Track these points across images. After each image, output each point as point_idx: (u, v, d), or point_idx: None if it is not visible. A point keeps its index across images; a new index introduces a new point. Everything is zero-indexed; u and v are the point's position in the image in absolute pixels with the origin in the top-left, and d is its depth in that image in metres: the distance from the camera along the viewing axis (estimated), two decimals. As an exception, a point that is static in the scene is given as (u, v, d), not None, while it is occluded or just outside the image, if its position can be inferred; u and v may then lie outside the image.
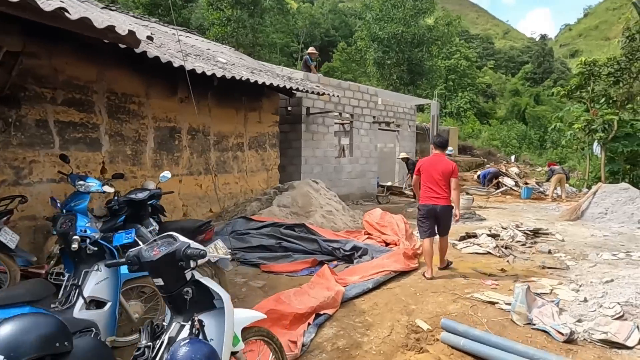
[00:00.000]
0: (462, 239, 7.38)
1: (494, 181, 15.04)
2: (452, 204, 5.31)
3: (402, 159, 12.54)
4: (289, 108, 10.93)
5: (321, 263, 5.72)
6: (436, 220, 5.35)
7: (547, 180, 14.97)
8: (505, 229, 8.02)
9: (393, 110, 15.36)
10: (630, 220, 9.14)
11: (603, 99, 15.16)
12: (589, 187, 17.15)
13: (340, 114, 11.88)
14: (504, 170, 16.54)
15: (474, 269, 5.65)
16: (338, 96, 10.45)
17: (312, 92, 8.94)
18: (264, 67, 9.35)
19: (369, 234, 6.79)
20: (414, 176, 5.56)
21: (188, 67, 5.70)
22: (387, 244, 6.38)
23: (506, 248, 6.74)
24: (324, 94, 9.36)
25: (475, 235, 7.48)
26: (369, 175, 12.89)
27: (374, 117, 13.04)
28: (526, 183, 16.13)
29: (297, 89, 8.53)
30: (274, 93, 9.22)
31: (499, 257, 6.35)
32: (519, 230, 7.86)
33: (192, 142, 7.33)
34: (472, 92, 44.69)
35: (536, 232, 7.98)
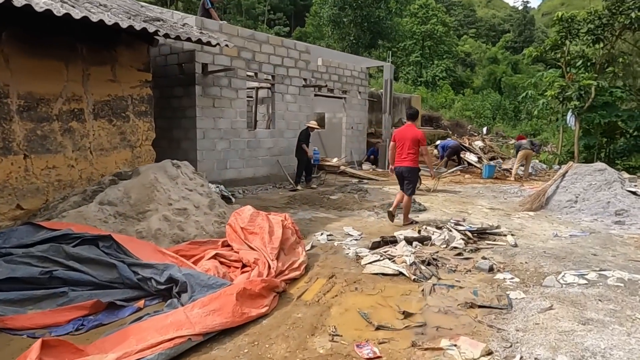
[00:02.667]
0: (375, 246, 5.24)
1: (443, 160, 12.97)
2: (417, 166, 6.41)
3: (309, 127, 9.42)
4: (183, 65, 8.43)
5: (113, 305, 3.50)
6: (402, 180, 6.41)
7: (515, 155, 12.99)
8: (440, 229, 5.91)
9: (337, 73, 12.99)
10: (605, 211, 7.16)
11: (580, 62, 13.04)
12: (561, 164, 15.33)
13: (256, 74, 9.42)
14: (466, 144, 14.46)
15: (361, 311, 3.51)
16: (230, 47, 7.98)
17: (184, 39, 6.45)
18: (129, 8, 6.76)
19: (227, 245, 4.57)
20: (391, 143, 6.55)
21: None
22: (244, 265, 4.18)
23: (428, 264, 4.63)
24: (211, 43, 6.87)
25: (394, 241, 5.35)
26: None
27: (305, 79, 10.62)
28: (491, 159, 14.14)
29: (156, 33, 6.03)
30: (140, 42, 6.70)
31: (414, 280, 4.23)
32: (459, 231, 5.77)
33: (-32, 107, 4.85)
34: (450, 60, 42.30)
35: (482, 233, 5.90)
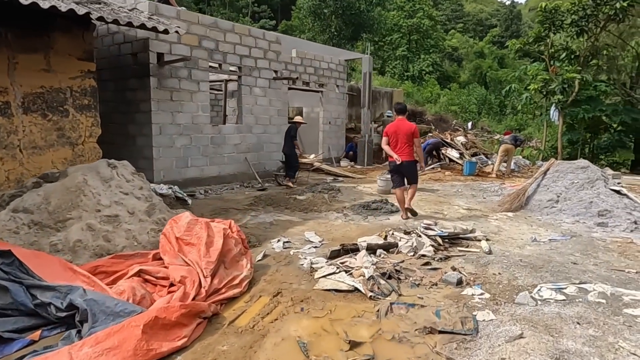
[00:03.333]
0: (334, 255, 4.69)
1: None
2: (416, 159, 6.42)
3: (294, 122, 9.31)
4: (137, 55, 7.76)
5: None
6: (403, 174, 6.39)
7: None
8: (408, 234, 5.39)
9: (313, 65, 12.39)
10: (588, 211, 6.72)
11: (564, 54, 12.63)
12: (545, 160, 15.00)
13: (220, 65, 8.78)
14: (448, 140, 14.00)
15: (300, 340, 2.97)
16: (182, 33, 7.34)
17: (124, 24, 5.79)
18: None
19: (160, 259, 3.98)
20: (383, 138, 6.39)
21: None
22: (172, 284, 3.59)
23: (389, 278, 4.10)
24: (158, 29, 6.20)
25: (356, 249, 4.81)
26: (269, 147, 9.99)
27: (276, 71, 10.00)
28: (473, 155, 13.71)
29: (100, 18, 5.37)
30: (80, 28, 6.02)
31: (371, 298, 3.71)
32: (429, 237, 5.26)
33: None
34: (437, 54, 41.94)
35: (454, 239, 5.40)
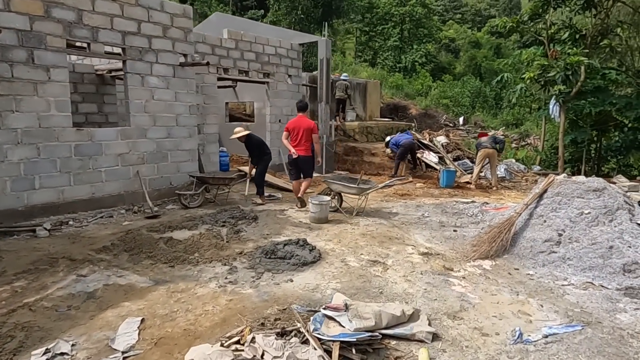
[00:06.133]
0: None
1: (400, 167, 10.14)
2: (312, 154, 6.76)
3: (239, 138, 7.29)
4: (-55, 28, 5.29)
5: None
6: (299, 167, 6.80)
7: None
8: (285, 335, 2.98)
9: (254, 49, 9.97)
10: (606, 263, 4.32)
11: (567, 34, 10.15)
12: (543, 163, 12.59)
13: (88, 45, 6.32)
14: (426, 141, 11.56)
15: None
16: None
17: None
18: None
19: None
20: (284, 133, 6.73)
21: None
22: None
23: None
24: None
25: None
26: (176, 156, 7.55)
27: (185, 55, 7.53)
28: (456, 159, 11.29)
29: None
30: None
31: None
32: (323, 342, 2.86)
33: None
34: (431, 45, 39.44)
35: (371, 343, 2.98)
